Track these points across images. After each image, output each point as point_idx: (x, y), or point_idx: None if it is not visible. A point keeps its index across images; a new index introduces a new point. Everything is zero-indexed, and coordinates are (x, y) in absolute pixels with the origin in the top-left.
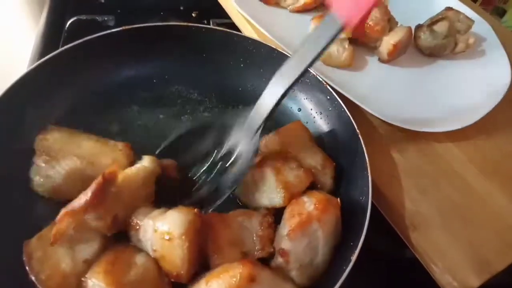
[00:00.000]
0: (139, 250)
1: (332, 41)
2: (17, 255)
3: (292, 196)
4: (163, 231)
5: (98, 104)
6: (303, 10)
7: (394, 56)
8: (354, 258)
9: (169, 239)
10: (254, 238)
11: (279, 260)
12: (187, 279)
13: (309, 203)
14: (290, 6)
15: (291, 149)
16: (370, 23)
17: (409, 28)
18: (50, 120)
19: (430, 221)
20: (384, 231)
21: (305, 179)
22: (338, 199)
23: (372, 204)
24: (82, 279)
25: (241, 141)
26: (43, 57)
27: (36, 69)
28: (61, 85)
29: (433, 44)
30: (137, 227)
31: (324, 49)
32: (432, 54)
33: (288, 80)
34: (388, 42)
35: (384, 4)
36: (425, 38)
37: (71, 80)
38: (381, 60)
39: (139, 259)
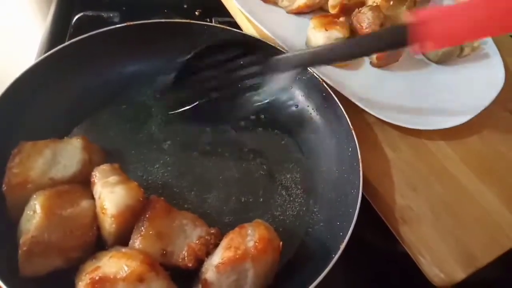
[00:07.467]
0: (93, 196)
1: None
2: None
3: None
4: (102, 204)
5: (100, 98)
6: (298, 13)
7: (383, 61)
8: (342, 246)
9: (103, 213)
10: (185, 245)
11: None
12: (110, 246)
13: (251, 238)
14: (286, 7)
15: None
16: (362, 24)
17: None
18: (54, 112)
19: (419, 216)
20: (379, 226)
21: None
22: (281, 243)
23: (365, 198)
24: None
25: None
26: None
27: (41, 62)
28: (66, 78)
29: (441, 53)
30: (93, 183)
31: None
32: (440, 61)
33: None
34: None
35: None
36: None
37: (76, 73)
38: (372, 64)
39: (85, 203)
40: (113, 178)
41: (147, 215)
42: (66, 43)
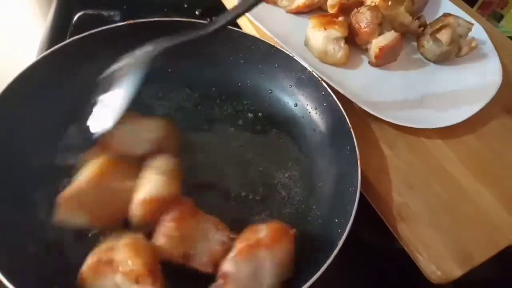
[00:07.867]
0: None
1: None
2: None
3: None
4: (139, 186)
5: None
6: (297, 12)
7: (381, 61)
8: (340, 243)
9: (135, 195)
10: (206, 249)
11: (219, 281)
12: (133, 229)
13: (263, 231)
14: (286, 7)
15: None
16: (361, 24)
17: (399, 34)
18: (54, 110)
19: (417, 214)
20: (377, 224)
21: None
22: (294, 230)
23: (363, 196)
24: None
25: None
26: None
27: (42, 60)
28: (66, 75)
29: (438, 52)
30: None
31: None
32: (438, 61)
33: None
34: (375, 46)
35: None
36: (429, 47)
37: (76, 71)
38: (370, 63)
39: (131, 183)
40: (164, 168)
41: (174, 215)
42: (67, 41)
